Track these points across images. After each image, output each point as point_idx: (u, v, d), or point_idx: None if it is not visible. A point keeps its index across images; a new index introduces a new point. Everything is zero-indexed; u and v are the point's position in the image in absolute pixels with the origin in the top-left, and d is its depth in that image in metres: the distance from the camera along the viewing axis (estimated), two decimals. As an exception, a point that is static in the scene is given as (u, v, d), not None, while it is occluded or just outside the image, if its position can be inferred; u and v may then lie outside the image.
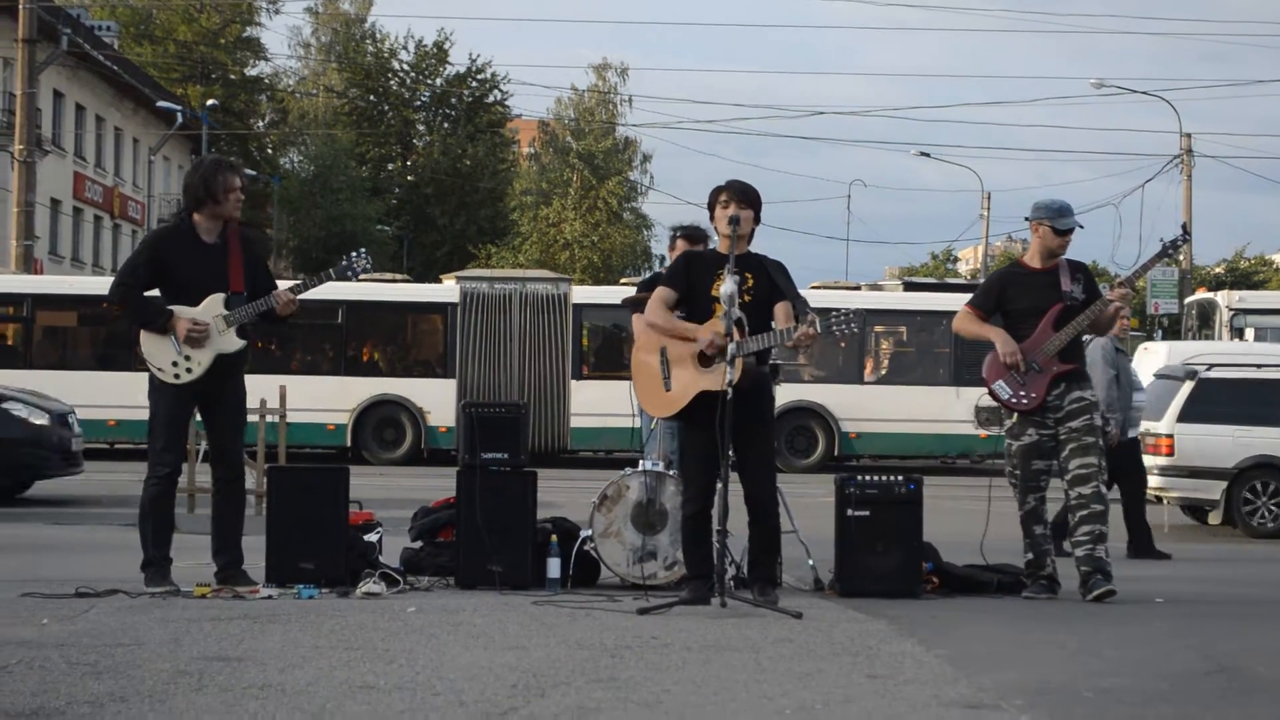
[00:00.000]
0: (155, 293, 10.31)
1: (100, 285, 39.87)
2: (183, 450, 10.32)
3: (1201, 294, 35.65)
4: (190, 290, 10.15)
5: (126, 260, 10.69)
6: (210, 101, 59.77)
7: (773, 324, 9.67)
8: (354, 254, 10.74)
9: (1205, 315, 33.43)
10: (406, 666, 7.36)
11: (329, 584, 10.12)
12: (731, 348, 9.33)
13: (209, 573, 10.20)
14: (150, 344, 10.16)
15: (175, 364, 10.10)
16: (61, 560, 12.35)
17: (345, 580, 10.19)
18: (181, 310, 10.10)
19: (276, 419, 18.93)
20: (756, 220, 9.92)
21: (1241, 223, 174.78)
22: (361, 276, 10.84)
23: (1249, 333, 32.10)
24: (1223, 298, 33.18)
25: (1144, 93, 59.06)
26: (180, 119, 58.09)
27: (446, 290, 33.21)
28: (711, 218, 9.99)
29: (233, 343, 10.20)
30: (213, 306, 10.14)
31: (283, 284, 10.56)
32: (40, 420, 20.22)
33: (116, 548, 13.12)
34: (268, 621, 8.72)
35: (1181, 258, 46.75)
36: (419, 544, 11.26)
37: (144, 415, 10.30)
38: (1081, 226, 10.92)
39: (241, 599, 9.70)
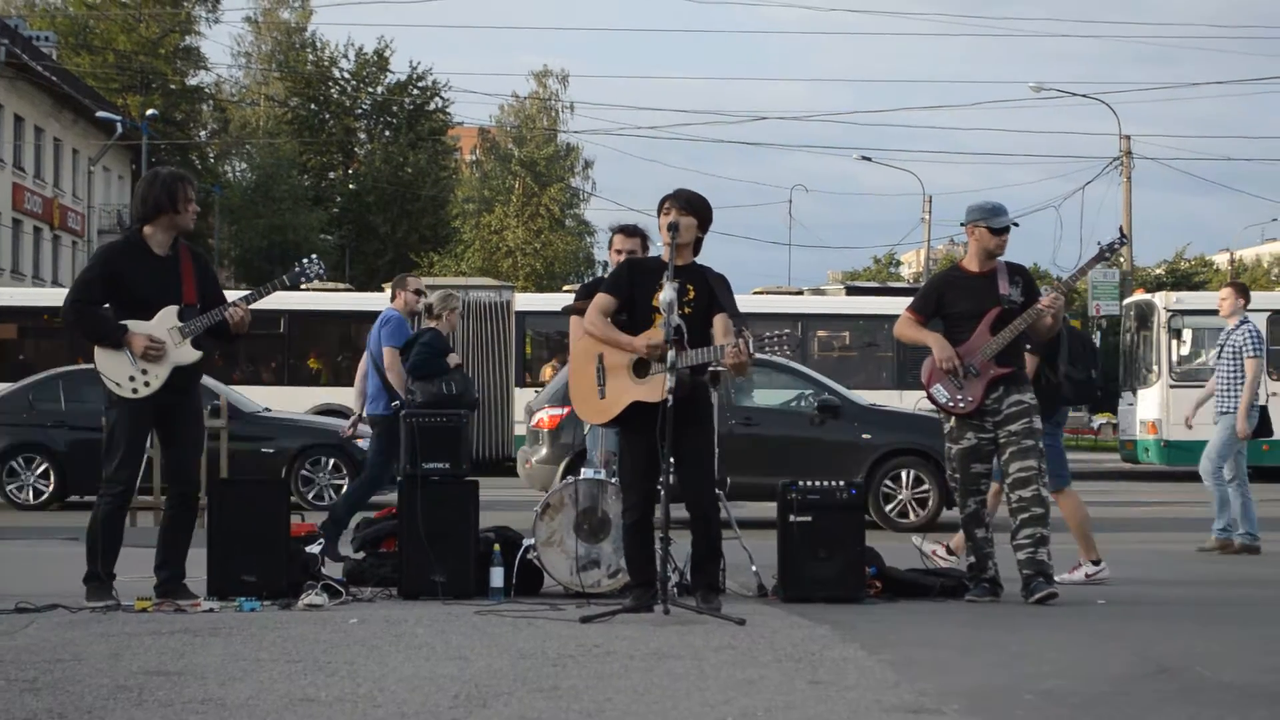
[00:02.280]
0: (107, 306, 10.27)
1: (40, 297, 39.79)
2: (138, 467, 10.26)
3: (1139, 295, 35.75)
4: (144, 304, 10.11)
5: (79, 276, 10.62)
6: (150, 111, 59.52)
7: (711, 335, 9.67)
8: (305, 260, 10.74)
9: (1144, 316, 33.54)
10: (348, 678, 7.33)
11: (271, 596, 10.07)
12: (671, 357, 9.33)
13: (150, 587, 10.15)
14: (105, 359, 10.10)
15: (132, 378, 10.05)
16: (1, 575, 12.25)
17: (287, 592, 10.14)
18: (136, 325, 10.05)
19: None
20: (703, 230, 9.92)
21: (1182, 224, 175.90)
22: (315, 280, 10.80)
23: (1186, 334, 32.23)
24: (1160, 299, 33.29)
25: (1083, 95, 59.37)
26: (120, 129, 57.84)
27: (389, 299, 33.12)
28: (660, 227, 9.99)
29: (189, 354, 10.15)
30: (166, 319, 10.09)
31: (231, 294, 10.51)
32: None
33: (57, 562, 13.05)
34: (209, 635, 8.68)
35: (1122, 259, 47.04)
36: (361, 555, 11.24)
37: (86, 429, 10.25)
38: (1017, 225, 10.98)
39: (183, 612, 9.65)
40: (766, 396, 20.68)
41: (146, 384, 10.07)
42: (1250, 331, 15.48)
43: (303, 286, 10.77)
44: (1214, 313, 17.38)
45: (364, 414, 15.05)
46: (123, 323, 10.07)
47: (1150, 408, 32.41)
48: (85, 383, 22.63)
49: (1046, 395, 11.83)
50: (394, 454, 12.93)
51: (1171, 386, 31.92)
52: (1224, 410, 15.55)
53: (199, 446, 10.55)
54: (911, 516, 19.10)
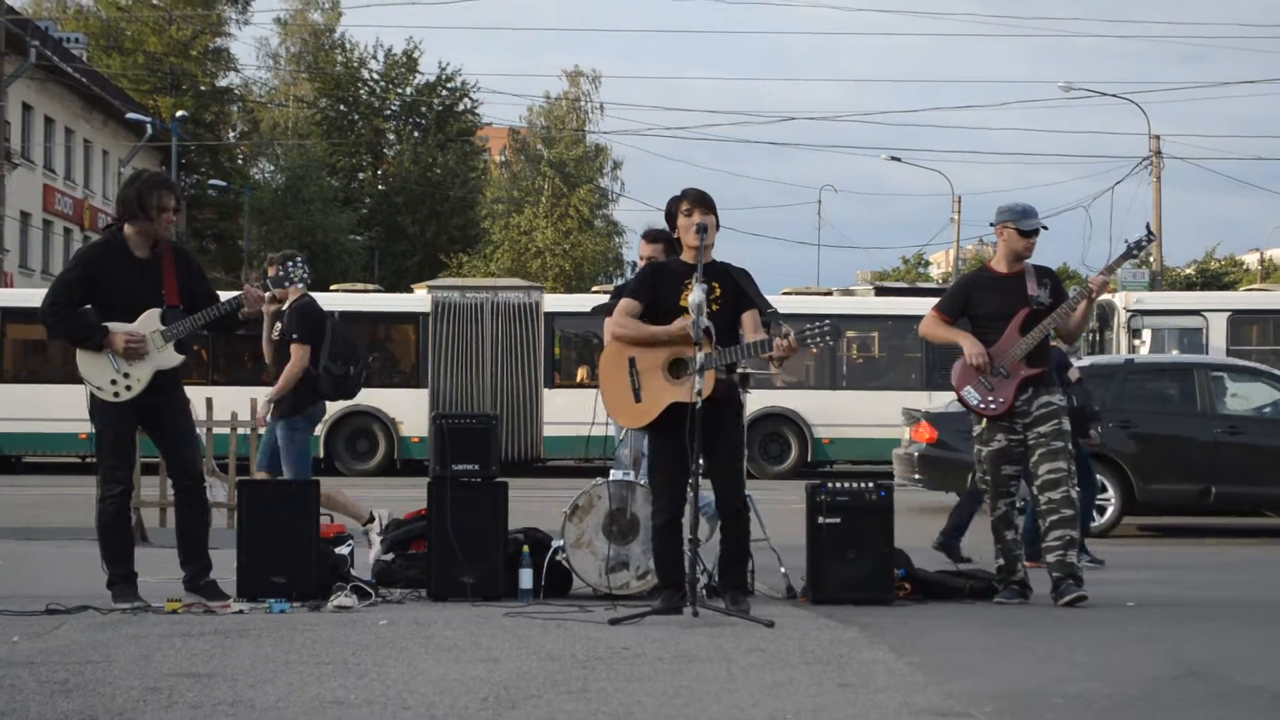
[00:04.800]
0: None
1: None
2: (133, 466, 10.28)
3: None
4: (124, 306, 10.07)
5: (57, 278, 10.54)
6: (180, 113, 59.64)
7: (740, 333, 9.69)
8: (289, 263, 10.69)
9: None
10: (377, 680, 7.35)
11: (300, 598, 10.09)
12: (701, 358, 9.34)
13: (179, 588, 10.18)
14: (87, 363, 10.09)
15: (114, 382, 10.04)
16: (32, 576, 12.29)
17: (316, 594, 10.16)
18: (116, 326, 10.01)
19: (248, 431, 18.86)
20: (717, 227, 9.94)
21: (1212, 223, 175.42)
22: (300, 283, 10.72)
23: (1145, 334, 31.76)
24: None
25: (1113, 95, 59.30)
26: (150, 130, 57.97)
27: (418, 300, 33.21)
28: (672, 228, 9.99)
29: (171, 358, 10.14)
30: (149, 322, 10.06)
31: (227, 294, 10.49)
32: None
33: (87, 563, 13.07)
34: (238, 636, 8.70)
35: (1152, 259, 46.89)
36: (390, 556, 11.25)
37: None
38: (1045, 228, 10.97)
39: (212, 614, 9.68)
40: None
41: (128, 388, 10.06)
42: None
43: (286, 288, 10.68)
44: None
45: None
46: (104, 324, 10.05)
47: None
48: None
49: (303, 389, 12.75)
50: None
51: None
52: None
53: (192, 437, 10.48)
54: None
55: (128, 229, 10.14)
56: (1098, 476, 18.27)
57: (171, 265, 10.20)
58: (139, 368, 10.05)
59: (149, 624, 9.24)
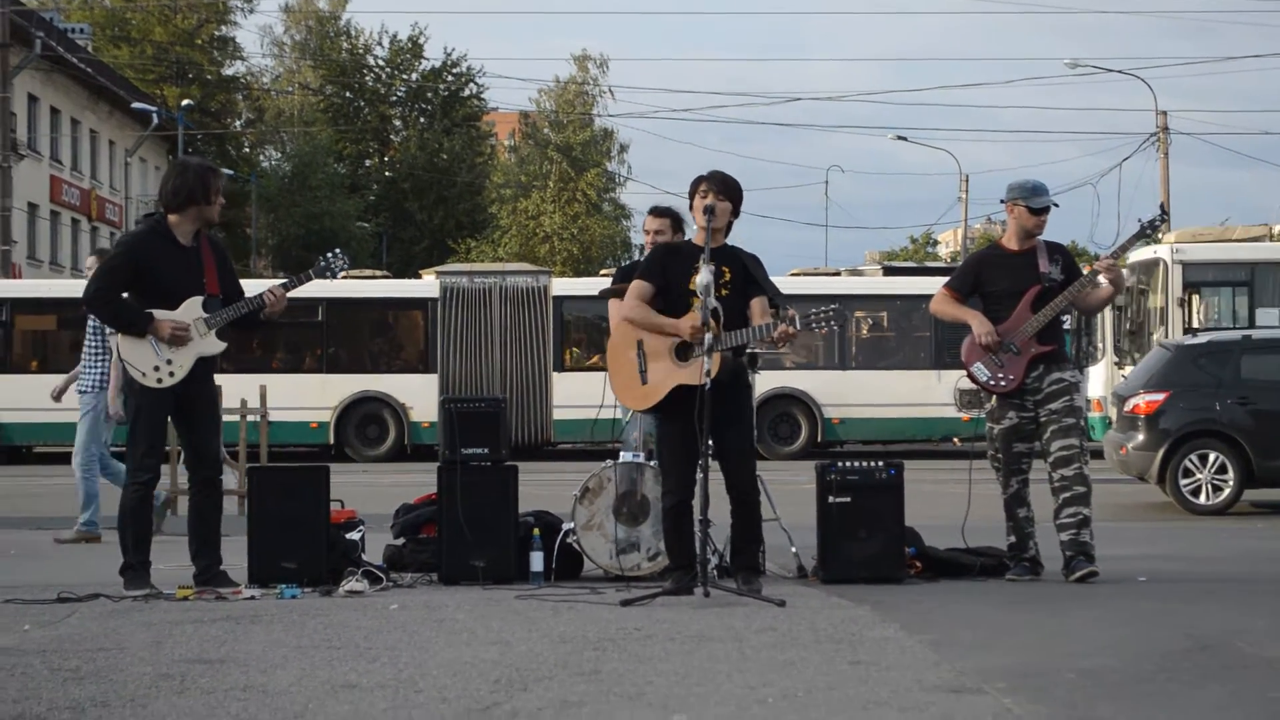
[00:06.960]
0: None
1: (79, 289, 39.80)
2: (163, 455, 10.28)
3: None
4: (168, 294, 10.11)
5: (102, 264, 10.62)
6: (185, 102, 59.63)
7: (748, 318, 9.68)
8: (330, 253, 10.73)
9: None
10: (389, 664, 7.35)
11: (311, 583, 10.10)
12: (709, 340, 9.33)
13: (190, 574, 10.18)
14: (130, 348, 10.10)
15: (157, 368, 10.06)
16: (43, 565, 12.31)
17: (328, 579, 10.17)
18: (161, 313, 10.05)
19: (258, 418, 18.86)
20: (735, 213, 9.92)
21: (1221, 198, 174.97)
22: (340, 275, 10.80)
23: (1129, 311, 31.39)
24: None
25: (1120, 72, 59.06)
26: (156, 120, 57.98)
27: (426, 285, 33.22)
28: (691, 208, 9.99)
29: (214, 345, 10.18)
30: (191, 309, 10.10)
31: (255, 284, 10.52)
32: None
33: (98, 551, 13.13)
34: (250, 622, 8.70)
35: (1161, 236, 46.78)
36: (401, 541, 11.25)
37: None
38: (1057, 205, 10.95)
39: (223, 600, 9.68)
40: None
41: (171, 374, 10.08)
42: None
43: (328, 278, 10.76)
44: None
45: None
46: (148, 311, 10.09)
47: (1096, 386, 31.29)
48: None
49: None
50: None
51: (1116, 364, 30.94)
52: (84, 390, 15.13)
53: (218, 430, 10.57)
54: None
55: (174, 217, 10.18)
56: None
57: (211, 254, 10.27)
58: (182, 354, 10.08)
59: (160, 611, 9.24)
